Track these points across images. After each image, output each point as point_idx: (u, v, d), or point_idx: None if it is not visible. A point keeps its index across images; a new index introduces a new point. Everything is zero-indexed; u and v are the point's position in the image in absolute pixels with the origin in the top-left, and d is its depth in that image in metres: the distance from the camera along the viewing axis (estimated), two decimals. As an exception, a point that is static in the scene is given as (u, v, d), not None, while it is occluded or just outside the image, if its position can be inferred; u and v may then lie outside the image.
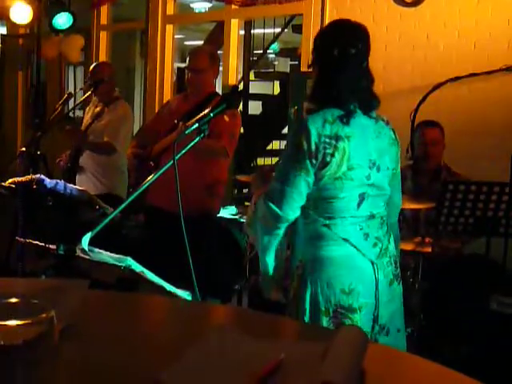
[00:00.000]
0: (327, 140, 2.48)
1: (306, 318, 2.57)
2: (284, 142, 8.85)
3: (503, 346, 3.68)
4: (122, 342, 1.46)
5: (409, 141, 4.73)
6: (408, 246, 3.95)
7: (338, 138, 2.49)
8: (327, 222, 2.55)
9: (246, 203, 6.91)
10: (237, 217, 5.56)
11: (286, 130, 6.53)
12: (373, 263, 2.57)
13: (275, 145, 10.25)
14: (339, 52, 2.58)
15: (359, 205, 2.56)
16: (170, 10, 7.34)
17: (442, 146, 4.54)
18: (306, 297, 2.57)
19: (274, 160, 10.44)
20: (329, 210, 2.55)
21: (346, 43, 2.59)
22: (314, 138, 2.48)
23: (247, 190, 8.60)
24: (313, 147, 2.48)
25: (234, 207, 5.79)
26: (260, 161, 9.89)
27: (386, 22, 5.27)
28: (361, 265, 2.56)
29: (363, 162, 2.55)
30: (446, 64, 4.95)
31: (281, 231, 2.63)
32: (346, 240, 2.55)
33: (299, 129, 2.57)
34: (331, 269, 2.54)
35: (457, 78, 4.83)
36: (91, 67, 5.56)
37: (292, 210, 2.57)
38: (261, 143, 9.26)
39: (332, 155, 2.48)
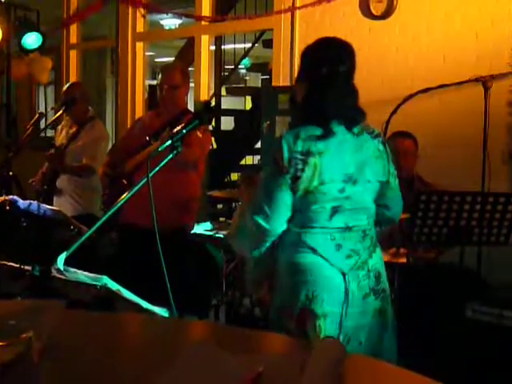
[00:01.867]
0: (298, 156, 2.56)
1: (275, 322, 2.67)
2: (257, 157, 8.87)
3: (479, 353, 3.71)
4: (101, 360, 1.45)
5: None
6: (383, 257, 3.96)
7: (308, 153, 2.56)
8: (299, 230, 2.64)
9: (221, 219, 6.89)
10: (212, 233, 5.54)
11: (258, 145, 6.53)
12: (344, 274, 2.62)
13: (248, 160, 10.25)
14: (328, 70, 2.63)
15: (331, 216, 2.63)
16: (140, 28, 7.34)
17: (415, 156, 4.57)
18: (276, 301, 2.70)
19: (248, 175, 10.42)
20: (301, 220, 2.64)
21: (335, 61, 2.64)
22: (286, 154, 2.57)
23: (221, 205, 8.59)
24: (286, 162, 2.57)
25: (208, 223, 5.78)
26: (234, 176, 9.88)
27: (355, 35, 5.31)
28: (328, 274, 2.62)
29: (337, 177, 2.61)
30: (416, 77, 4.99)
31: (268, 244, 2.70)
32: (312, 249, 2.62)
33: (274, 145, 2.65)
34: (298, 275, 2.63)
35: (427, 89, 4.87)
36: (64, 88, 5.55)
37: (280, 224, 2.64)
38: (234, 158, 9.26)
39: (302, 170, 2.56)
